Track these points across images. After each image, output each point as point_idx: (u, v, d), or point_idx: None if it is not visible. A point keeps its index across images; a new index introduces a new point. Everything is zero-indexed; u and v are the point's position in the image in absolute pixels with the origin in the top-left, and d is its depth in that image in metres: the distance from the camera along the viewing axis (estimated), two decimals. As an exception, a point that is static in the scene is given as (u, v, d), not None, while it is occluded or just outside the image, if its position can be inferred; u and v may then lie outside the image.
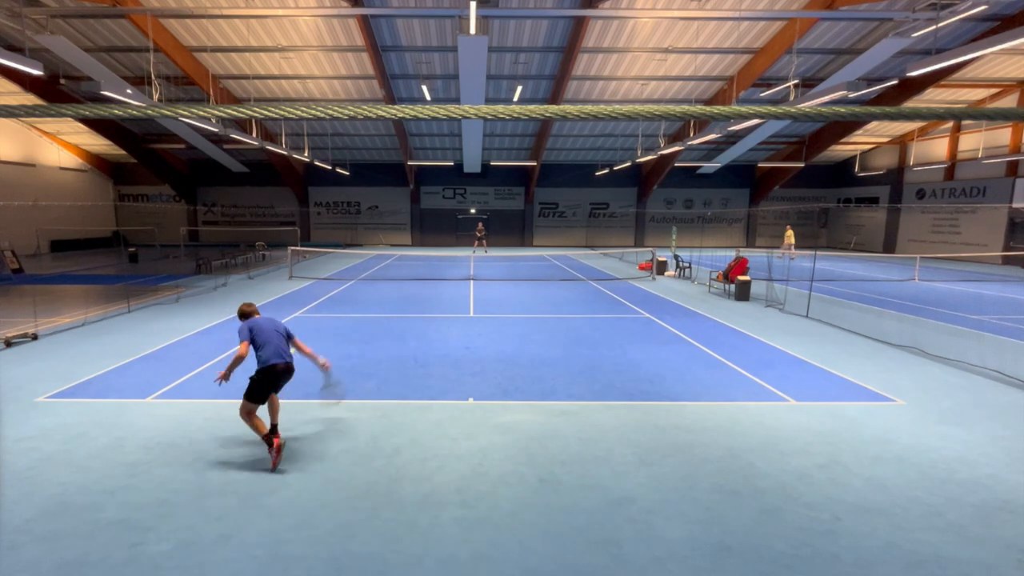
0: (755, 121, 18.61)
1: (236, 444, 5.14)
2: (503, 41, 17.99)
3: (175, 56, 17.17)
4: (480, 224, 28.59)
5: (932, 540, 3.74)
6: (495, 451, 5.05)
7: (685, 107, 1.98)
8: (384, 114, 1.85)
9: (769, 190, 31.96)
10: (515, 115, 1.90)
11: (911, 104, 21.46)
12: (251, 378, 4.88)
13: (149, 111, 1.96)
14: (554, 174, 31.83)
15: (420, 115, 1.85)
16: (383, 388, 6.79)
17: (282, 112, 1.91)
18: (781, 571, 3.42)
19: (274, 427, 5.03)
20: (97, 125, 24.58)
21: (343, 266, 21.02)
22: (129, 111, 1.88)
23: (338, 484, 4.44)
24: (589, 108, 1.95)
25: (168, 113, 1.96)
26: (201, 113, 1.93)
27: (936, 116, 2.09)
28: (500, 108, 1.91)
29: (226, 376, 4.75)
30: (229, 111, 1.96)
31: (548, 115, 1.95)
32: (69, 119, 23.16)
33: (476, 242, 27.41)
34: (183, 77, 18.94)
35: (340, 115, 1.89)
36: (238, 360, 4.73)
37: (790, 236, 24.82)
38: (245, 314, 5.22)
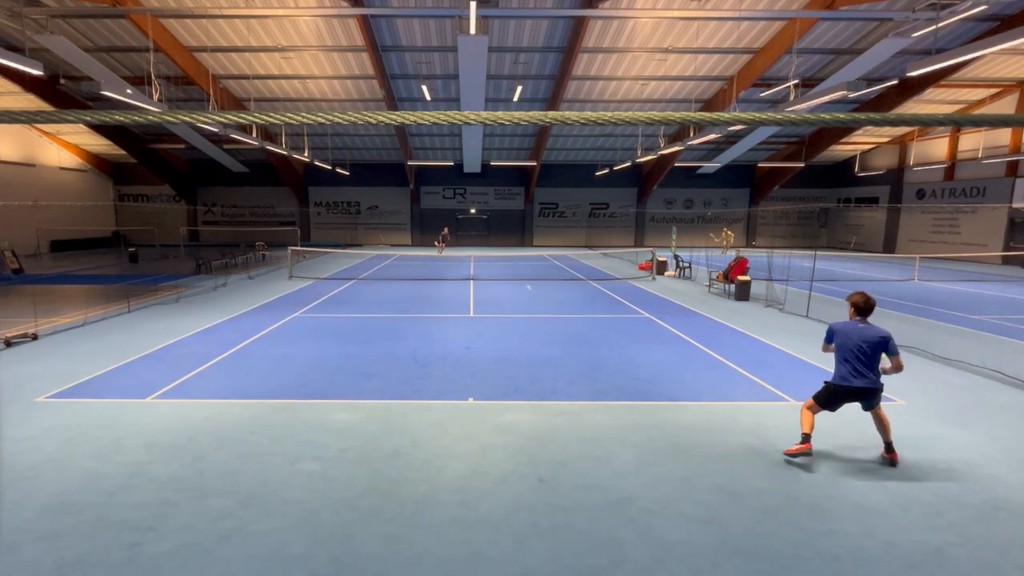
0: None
1: (236, 444, 5.14)
2: (503, 41, 17.99)
3: (175, 56, 17.17)
4: (445, 229, 28.69)
5: (932, 540, 3.75)
6: (495, 451, 5.06)
7: (684, 114, 1.99)
8: (385, 120, 1.86)
9: (769, 190, 31.96)
10: (515, 121, 1.91)
11: (911, 104, 21.47)
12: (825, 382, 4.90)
13: (158, 118, 1.96)
14: (554, 174, 31.83)
15: (421, 121, 1.85)
16: (383, 388, 6.79)
17: (283, 118, 1.92)
18: (781, 571, 3.43)
19: (887, 444, 4.89)
20: (97, 125, 24.53)
21: (343, 266, 21.03)
22: (133, 117, 1.89)
23: (338, 484, 4.44)
24: (589, 114, 1.96)
25: (171, 119, 1.97)
26: (204, 120, 1.94)
27: (936, 122, 2.09)
28: (501, 114, 1.92)
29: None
30: (233, 117, 1.96)
31: (548, 121, 1.96)
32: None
33: (438, 242, 27.40)
34: (183, 77, 18.95)
35: (341, 120, 1.90)
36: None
37: (728, 236, 27.01)
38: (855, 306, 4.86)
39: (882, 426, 4.85)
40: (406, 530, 3.83)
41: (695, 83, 21.04)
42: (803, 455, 4.81)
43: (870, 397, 4.71)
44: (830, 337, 4.88)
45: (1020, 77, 20.84)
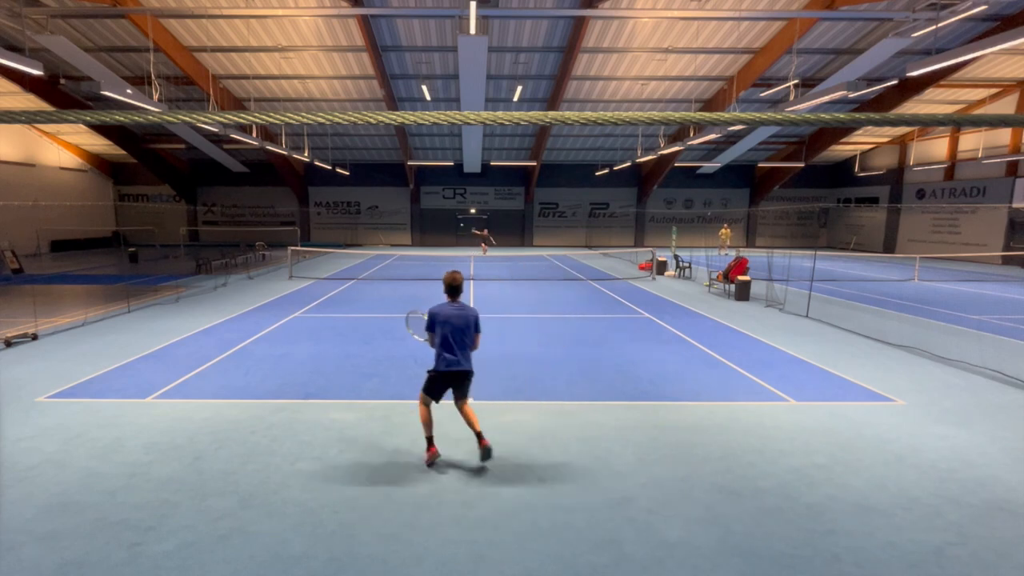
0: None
1: (236, 444, 5.14)
2: (503, 41, 17.99)
3: (175, 56, 17.17)
4: (485, 229, 27.87)
5: (932, 540, 3.75)
6: (495, 451, 5.05)
7: (684, 114, 1.99)
8: (385, 120, 1.86)
9: (769, 190, 31.96)
10: (515, 121, 1.91)
11: (911, 104, 21.47)
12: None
13: (158, 118, 1.96)
14: (554, 174, 31.82)
15: (421, 121, 1.86)
16: (383, 388, 6.79)
17: (283, 118, 1.92)
18: (781, 571, 3.43)
19: (478, 434, 4.72)
20: (97, 125, 24.57)
21: (343, 266, 21.03)
22: (133, 117, 1.89)
23: (338, 484, 4.44)
24: (589, 114, 1.96)
25: (171, 119, 1.97)
26: (204, 120, 1.94)
27: (936, 122, 2.09)
28: (501, 114, 1.92)
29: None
30: (233, 117, 1.97)
31: (548, 121, 1.96)
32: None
33: (483, 244, 26.74)
34: (183, 77, 18.95)
35: (341, 120, 1.91)
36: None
37: (726, 234, 27.29)
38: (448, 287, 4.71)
39: (470, 420, 4.73)
40: (406, 530, 3.83)
41: (695, 83, 21.04)
42: (434, 460, 4.72)
43: (468, 380, 4.70)
44: (432, 324, 4.63)
45: (1020, 77, 20.84)
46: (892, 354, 8.45)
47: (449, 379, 4.66)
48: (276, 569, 3.42)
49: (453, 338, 4.59)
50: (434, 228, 32.86)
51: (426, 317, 4.74)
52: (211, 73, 19.39)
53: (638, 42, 17.92)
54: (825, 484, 4.48)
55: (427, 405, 4.77)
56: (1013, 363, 7.77)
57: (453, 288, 4.67)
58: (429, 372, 4.71)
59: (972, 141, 24.65)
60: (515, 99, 22.07)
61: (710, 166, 29.34)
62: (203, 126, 16.68)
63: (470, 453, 5.02)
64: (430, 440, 4.77)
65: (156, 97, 14.54)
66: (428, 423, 4.77)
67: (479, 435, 4.73)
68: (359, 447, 5.11)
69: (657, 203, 33.02)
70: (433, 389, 4.72)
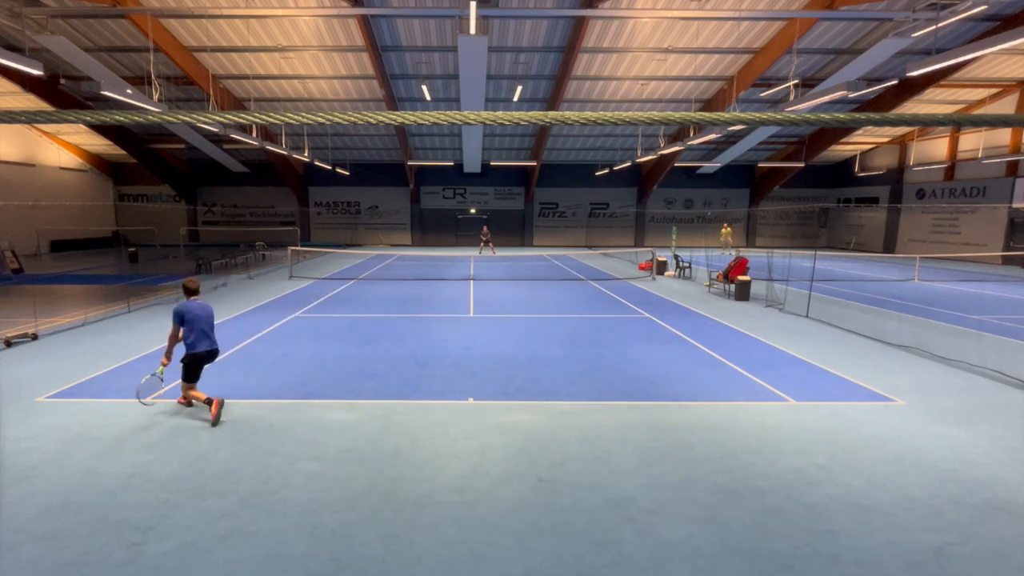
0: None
1: (236, 444, 5.15)
2: (503, 41, 17.99)
3: (175, 56, 17.17)
4: (484, 227, 28.12)
5: (932, 540, 3.75)
6: (495, 451, 5.06)
7: (684, 114, 1.99)
8: (385, 120, 1.86)
9: (769, 190, 31.95)
10: (515, 121, 1.91)
11: (911, 104, 21.47)
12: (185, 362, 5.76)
13: (158, 118, 1.96)
14: (554, 174, 31.82)
15: (421, 121, 1.86)
16: (383, 388, 6.79)
17: (283, 118, 1.92)
18: (781, 571, 3.43)
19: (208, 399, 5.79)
20: (97, 125, 24.55)
21: (343, 266, 21.03)
22: (133, 117, 1.89)
23: (338, 484, 4.44)
24: (589, 114, 1.96)
25: (171, 119, 1.97)
26: (204, 120, 1.94)
27: (936, 122, 2.10)
28: (501, 114, 1.92)
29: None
30: (233, 117, 1.97)
31: (548, 121, 1.96)
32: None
33: (482, 244, 27.02)
34: (183, 77, 18.95)
35: (341, 120, 1.91)
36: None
37: (727, 233, 27.60)
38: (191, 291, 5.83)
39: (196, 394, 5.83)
40: (406, 530, 3.83)
41: (695, 83, 21.04)
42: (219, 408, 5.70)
43: (215, 356, 5.92)
44: (181, 319, 5.59)
45: (1020, 77, 20.83)
46: (892, 354, 8.45)
47: (207, 358, 5.76)
48: (276, 569, 3.42)
49: (205, 326, 5.73)
50: (434, 228, 32.84)
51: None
52: (211, 73, 19.39)
53: (638, 42, 17.92)
54: (825, 484, 4.48)
55: (193, 388, 5.77)
56: (1013, 363, 7.77)
57: (194, 290, 5.83)
58: (188, 359, 5.66)
59: (972, 141, 24.65)
60: (515, 99, 22.07)
61: (710, 166, 29.33)
62: (203, 126, 16.67)
63: (471, 452, 5.03)
64: (210, 400, 5.69)
65: (156, 97, 14.54)
66: (199, 395, 5.76)
67: (209, 401, 5.71)
68: (359, 447, 5.11)
69: (657, 203, 33.02)
70: (196, 372, 5.74)
